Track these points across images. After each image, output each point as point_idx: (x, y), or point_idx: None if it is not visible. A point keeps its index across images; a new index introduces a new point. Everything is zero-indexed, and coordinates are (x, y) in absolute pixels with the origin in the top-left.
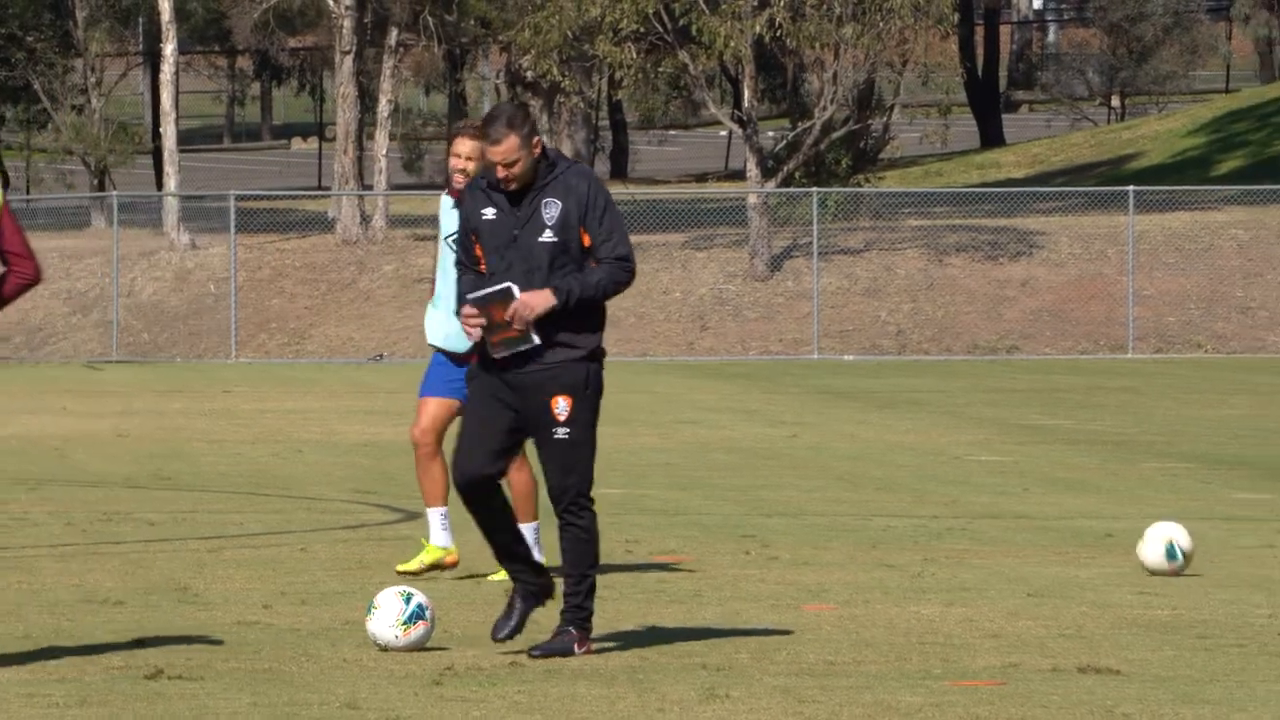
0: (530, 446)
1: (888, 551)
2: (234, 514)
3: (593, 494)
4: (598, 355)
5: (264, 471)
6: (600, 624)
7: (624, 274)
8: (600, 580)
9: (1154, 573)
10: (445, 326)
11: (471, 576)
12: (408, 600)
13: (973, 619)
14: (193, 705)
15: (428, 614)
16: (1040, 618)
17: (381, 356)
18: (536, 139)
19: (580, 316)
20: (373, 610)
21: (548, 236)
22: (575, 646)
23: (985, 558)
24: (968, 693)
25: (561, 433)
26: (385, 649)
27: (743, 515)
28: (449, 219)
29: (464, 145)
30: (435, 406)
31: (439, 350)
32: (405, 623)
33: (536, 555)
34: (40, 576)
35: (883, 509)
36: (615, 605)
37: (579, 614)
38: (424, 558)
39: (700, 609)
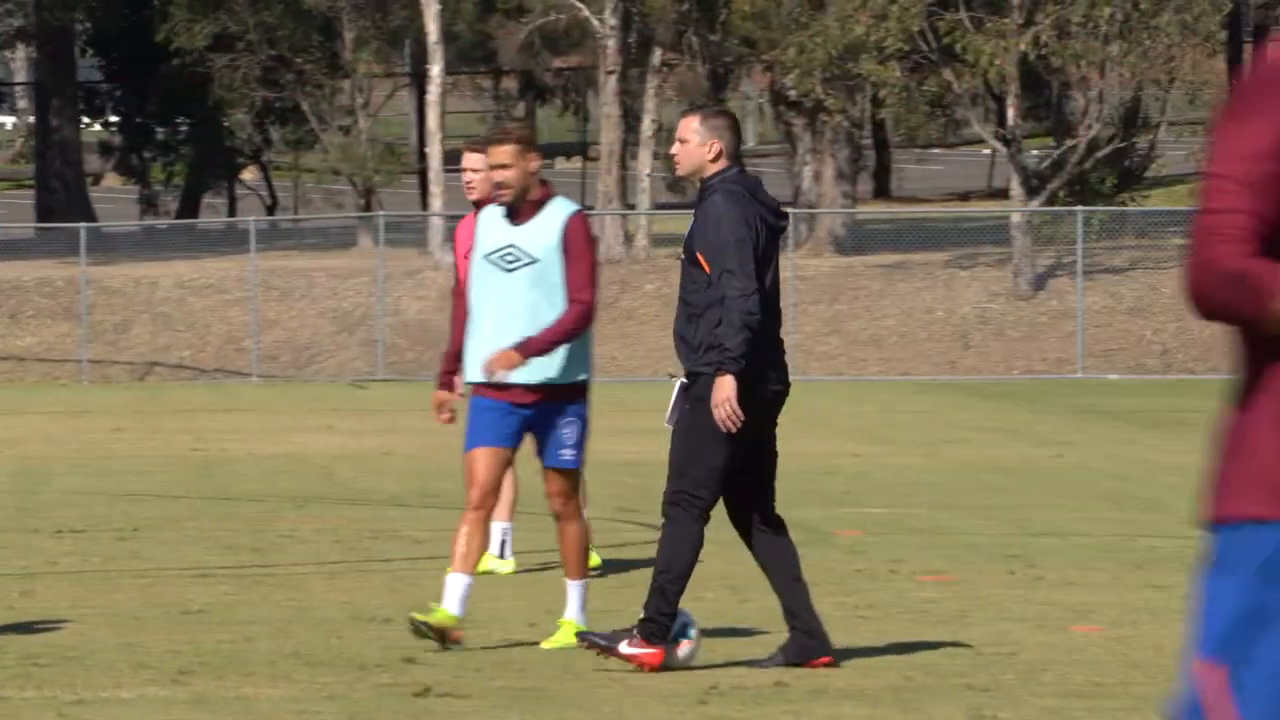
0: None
1: (1155, 572)
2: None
3: (696, 501)
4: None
5: (530, 489)
6: (865, 643)
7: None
8: (864, 600)
9: None
10: (478, 356)
11: (734, 594)
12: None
13: None
14: None
15: (692, 632)
16: None
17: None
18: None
19: None
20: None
21: None
22: (623, 644)
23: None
24: None
25: (673, 438)
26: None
27: (1008, 535)
28: (487, 233)
29: (470, 159)
30: (487, 458)
31: (478, 388)
32: (673, 639)
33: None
34: (309, 594)
35: (1149, 529)
36: (880, 625)
37: (653, 623)
38: (442, 620)
39: (965, 629)
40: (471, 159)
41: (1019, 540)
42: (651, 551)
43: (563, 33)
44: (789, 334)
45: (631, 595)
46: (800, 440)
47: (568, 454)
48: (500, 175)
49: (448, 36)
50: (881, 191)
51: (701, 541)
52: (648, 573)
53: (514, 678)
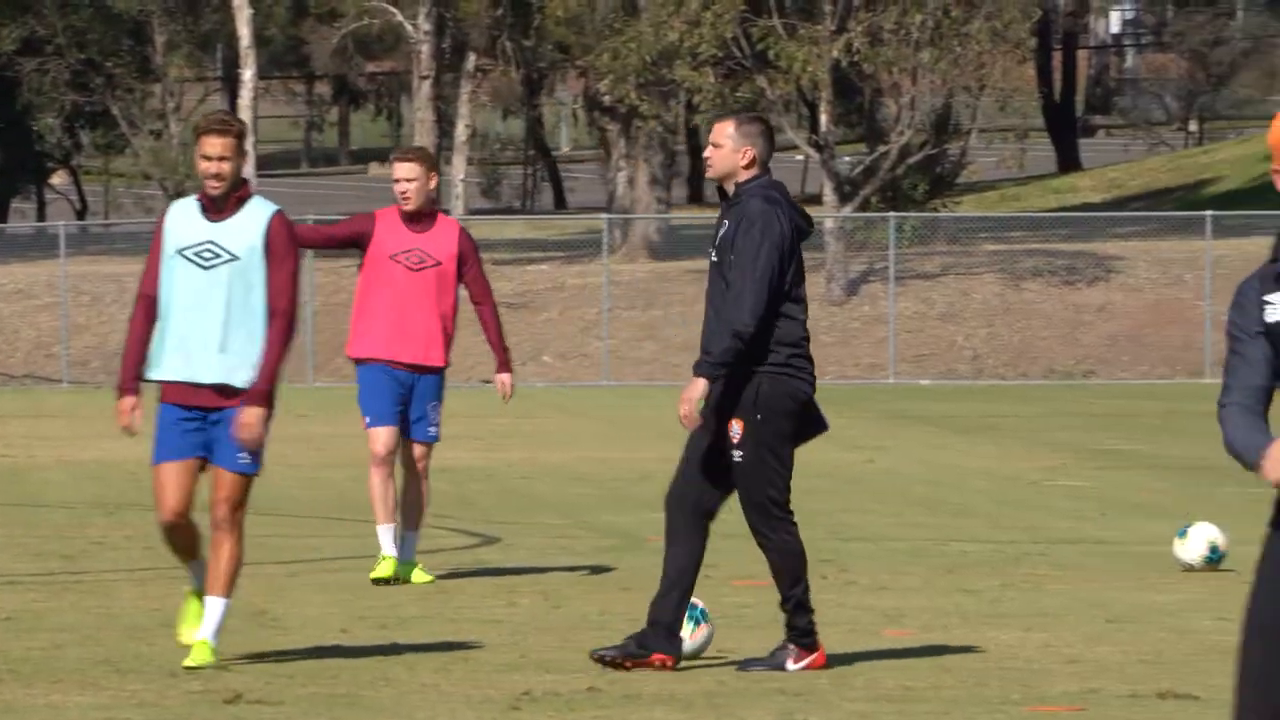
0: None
1: (966, 576)
2: (311, 538)
3: (784, 510)
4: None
5: (342, 496)
6: None
7: None
8: None
9: (1187, 569)
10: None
11: (548, 601)
12: (690, 608)
13: (1051, 644)
14: None
15: (707, 617)
16: (1119, 643)
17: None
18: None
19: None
20: (708, 620)
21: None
22: (789, 662)
23: (1063, 583)
24: (1046, 718)
25: (736, 455)
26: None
27: (820, 540)
28: (181, 228)
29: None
30: (179, 473)
31: (169, 394)
32: (690, 626)
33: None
34: (119, 601)
35: (960, 534)
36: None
37: (790, 631)
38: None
39: (779, 634)
40: (403, 169)
41: (832, 545)
42: (474, 556)
43: (376, 37)
44: (603, 339)
45: (446, 600)
46: (614, 445)
47: (244, 459)
48: (218, 167)
49: (260, 40)
50: (696, 197)
51: (801, 540)
52: (472, 579)
53: (326, 684)
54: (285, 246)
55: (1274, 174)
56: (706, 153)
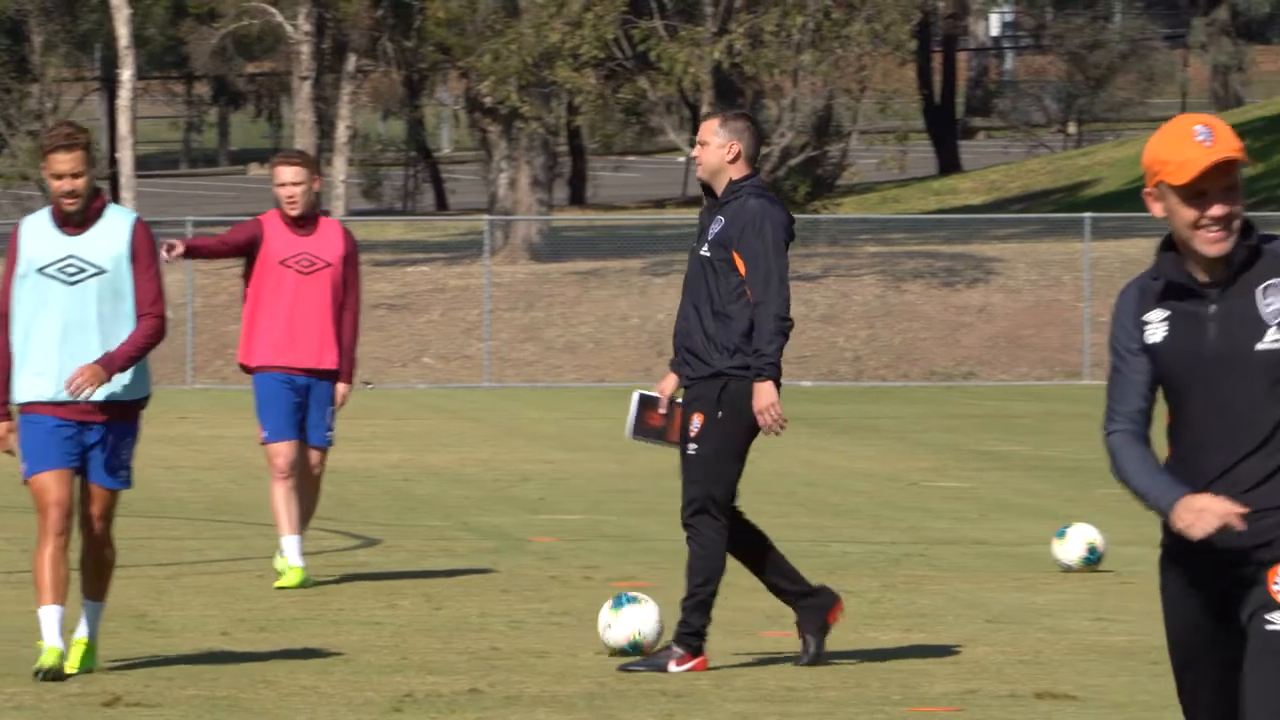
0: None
1: (846, 578)
2: (192, 540)
3: (721, 508)
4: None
5: (222, 498)
6: (560, 650)
7: None
8: (559, 606)
9: (1066, 570)
10: (41, 374)
11: (430, 603)
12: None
13: (931, 645)
14: None
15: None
16: (997, 644)
17: (368, 384)
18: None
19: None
20: (638, 603)
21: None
22: (671, 664)
23: (943, 584)
24: (926, 718)
25: (690, 448)
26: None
27: None
28: (36, 245)
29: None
30: (60, 481)
31: (37, 407)
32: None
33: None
34: None
35: (840, 535)
36: (575, 632)
37: (681, 629)
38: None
39: (660, 635)
40: (288, 173)
41: None
42: (354, 558)
43: (256, 38)
44: (483, 341)
45: (326, 603)
46: (495, 447)
47: (123, 474)
48: (72, 184)
49: (139, 41)
50: (577, 199)
51: (725, 544)
52: (353, 582)
53: (206, 686)
54: (149, 253)
55: (1146, 196)
56: (694, 152)
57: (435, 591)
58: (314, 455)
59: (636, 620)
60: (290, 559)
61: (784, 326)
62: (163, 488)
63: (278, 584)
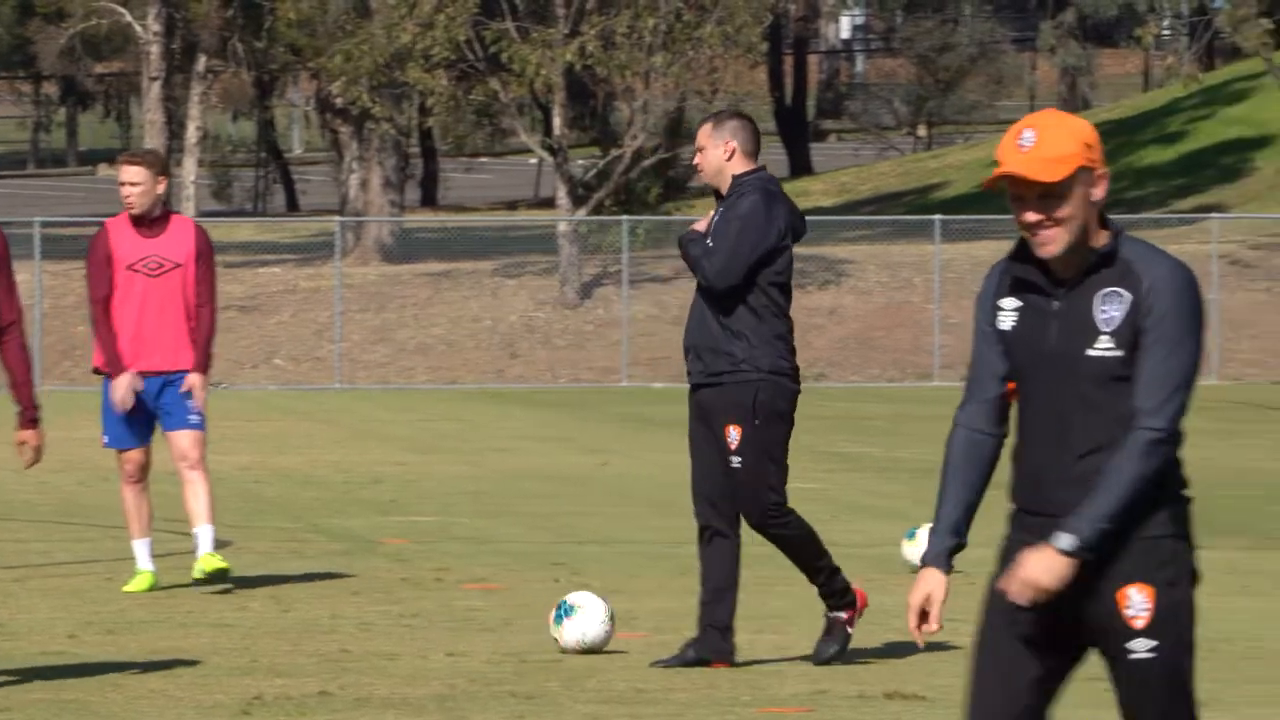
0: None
1: (698, 579)
2: (39, 543)
3: (784, 507)
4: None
5: (71, 500)
6: (410, 652)
7: None
8: (409, 608)
9: (915, 570)
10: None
11: (279, 605)
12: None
13: (781, 646)
14: None
15: (574, 612)
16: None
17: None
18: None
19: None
20: (575, 612)
21: None
22: (847, 629)
23: (794, 585)
24: (776, 719)
25: (734, 461)
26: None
27: (553, 543)
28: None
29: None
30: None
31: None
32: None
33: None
34: None
35: (693, 537)
36: (425, 633)
37: (829, 599)
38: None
39: (511, 637)
40: (128, 173)
41: (564, 548)
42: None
43: (105, 38)
44: (334, 343)
45: (175, 605)
46: (346, 449)
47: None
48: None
49: None
50: (429, 200)
51: (804, 520)
52: (194, 588)
53: (54, 690)
54: (4, 260)
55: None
56: (695, 160)
57: (285, 594)
58: (183, 442)
59: (579, 629)
60: (140, 562)
61: (704, 269)
62: (10, 490)
63: (126, 587)
